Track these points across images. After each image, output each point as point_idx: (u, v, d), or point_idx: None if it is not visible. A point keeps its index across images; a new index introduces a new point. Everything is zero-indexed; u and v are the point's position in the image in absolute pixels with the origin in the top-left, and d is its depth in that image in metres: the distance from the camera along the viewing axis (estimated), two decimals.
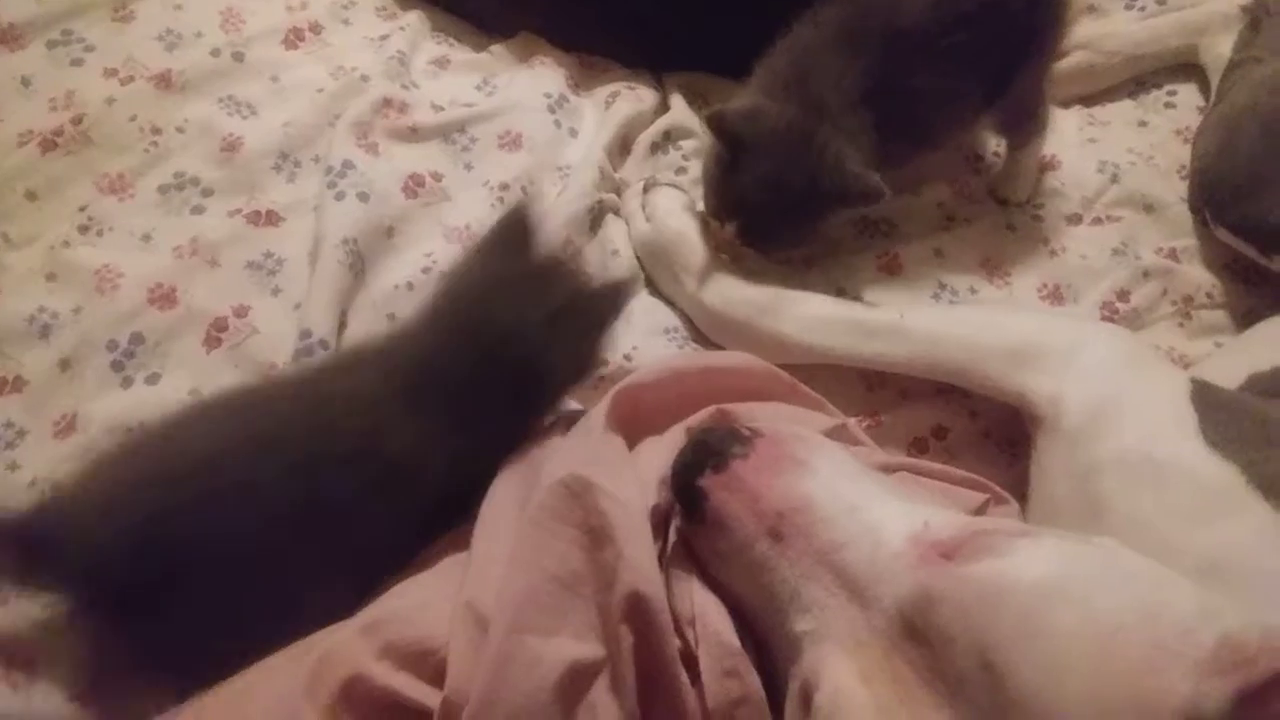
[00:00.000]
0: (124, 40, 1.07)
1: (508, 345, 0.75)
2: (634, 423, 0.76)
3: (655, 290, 1.01)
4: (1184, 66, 1.25)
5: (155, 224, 0.95)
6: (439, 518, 0.74)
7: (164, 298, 0.90)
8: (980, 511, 0.76)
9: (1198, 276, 1.05)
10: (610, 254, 1.01)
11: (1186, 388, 0.79)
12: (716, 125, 0.92)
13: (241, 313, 0.90)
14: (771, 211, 0.93)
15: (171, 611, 0.64)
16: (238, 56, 1.08)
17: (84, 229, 0.94)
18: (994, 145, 1.14)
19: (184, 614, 0.65)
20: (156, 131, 1.00)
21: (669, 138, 1.12)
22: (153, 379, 0.85)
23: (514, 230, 0.82)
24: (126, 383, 0.85)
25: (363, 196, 0.97)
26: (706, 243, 0.98)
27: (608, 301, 0.81)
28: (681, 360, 0.83)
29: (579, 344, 0.79)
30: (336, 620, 0.66)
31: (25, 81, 1.02)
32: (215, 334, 0.88)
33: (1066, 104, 1.21)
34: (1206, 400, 0.78)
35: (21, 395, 0.84)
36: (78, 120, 0.99)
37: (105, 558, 0.64)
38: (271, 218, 0.97)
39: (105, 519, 0.64)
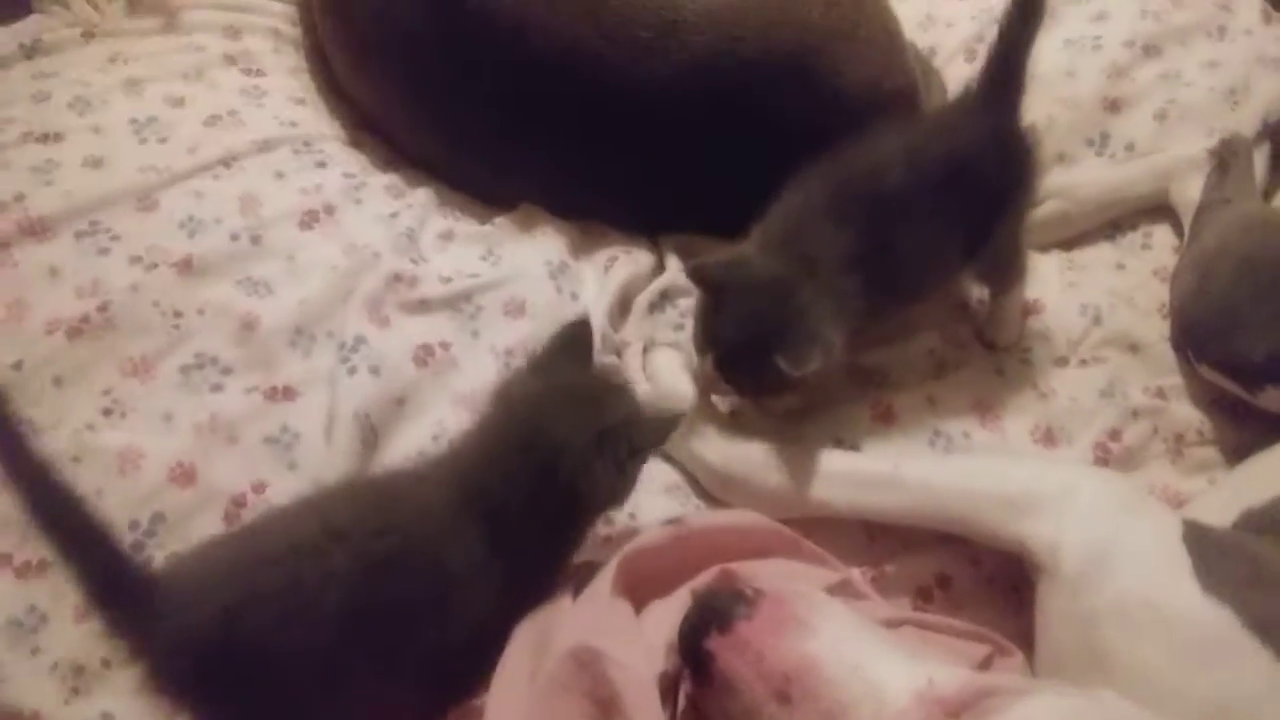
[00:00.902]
0: (148, 228, 1.11)
1: (556, 460, 0.78)
2: (640, 586, 0.78)
3: (658, 449, 1.03)
4: (1158, 208, 1.28)
5: (176, 404, 0.98)
6: (484, 632, 0.77)
7: (184, 476, 0.92)
8: (985, 664, 0.77)
9: (1186, 414, 1.07)
10: None
11: (1178, 530, 0.81)
12: (698, 276, 0.98)
13: (259, 489, 0.92)
14: (744, 349, 0.96)
15: (242, 690, 0.69)
16: (255, 239, 1.12)
17: (107, 412, 0.97)
18: (978, 292, 1.17)
19: (254, 693, 0.70)
20: (178, 315, 1.03)
21: (666, 297, 1.17)
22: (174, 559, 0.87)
23: (570, 343, 0.86)
24: (148, 563, 0.86)
25: (374, 370, 1.00)
26: (703, 400, 1.02)
27: (653, 428, 0.83)
28: (684, 522, 0.85)
29: (620, 467, 0.81)
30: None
31: (54, 271, 1.05)
32: (234, 510, 0.91)
33: (1045, 249, 1.25)
34: (1199, 541, 0.80)
35: (44, 579, 0.86)
36: (103, 307, 1.02)
37: (193, 632, 0.67)
38: (288, 393, 1.00)
39: (199, 594, 0.69)
